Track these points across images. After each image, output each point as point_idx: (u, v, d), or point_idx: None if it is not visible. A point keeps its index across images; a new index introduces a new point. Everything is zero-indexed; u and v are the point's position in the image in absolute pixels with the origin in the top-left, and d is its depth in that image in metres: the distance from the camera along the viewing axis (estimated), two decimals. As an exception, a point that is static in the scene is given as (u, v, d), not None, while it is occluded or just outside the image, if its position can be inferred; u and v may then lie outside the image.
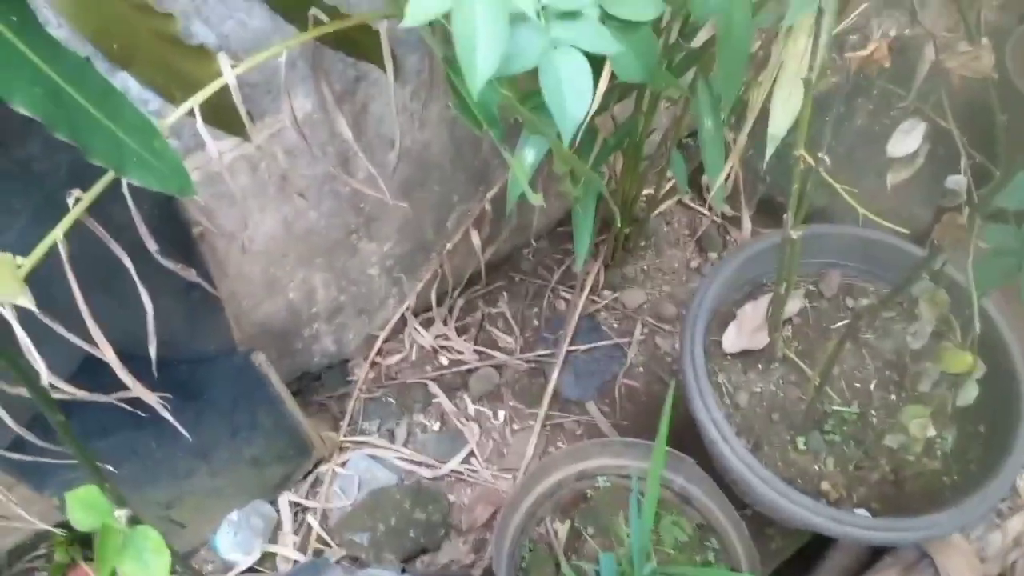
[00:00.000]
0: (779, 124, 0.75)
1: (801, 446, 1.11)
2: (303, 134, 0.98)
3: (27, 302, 0.68)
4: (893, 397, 1.15)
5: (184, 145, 0.95)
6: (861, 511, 1.05)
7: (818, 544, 1.30)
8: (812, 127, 0.75)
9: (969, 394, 0.80)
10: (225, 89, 0.84)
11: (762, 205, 1.72)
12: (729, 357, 1.19)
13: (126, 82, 0.84)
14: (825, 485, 1.08)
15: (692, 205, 1.80)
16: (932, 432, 0.86)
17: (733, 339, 1.19)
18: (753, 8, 0.84)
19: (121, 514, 0.55)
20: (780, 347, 1.12)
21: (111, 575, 0.52)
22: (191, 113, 0.82)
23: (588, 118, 0.75)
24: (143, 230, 0.86)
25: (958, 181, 0.66)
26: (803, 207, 0.80)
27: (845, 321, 1.22)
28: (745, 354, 1.19)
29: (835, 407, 1.14)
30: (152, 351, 0.91)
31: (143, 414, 0.96)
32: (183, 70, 0.84)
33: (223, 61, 0.83)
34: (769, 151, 0.76)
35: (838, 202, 1.62)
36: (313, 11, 0.85)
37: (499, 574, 1.01)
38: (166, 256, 0.89)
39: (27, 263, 0.71)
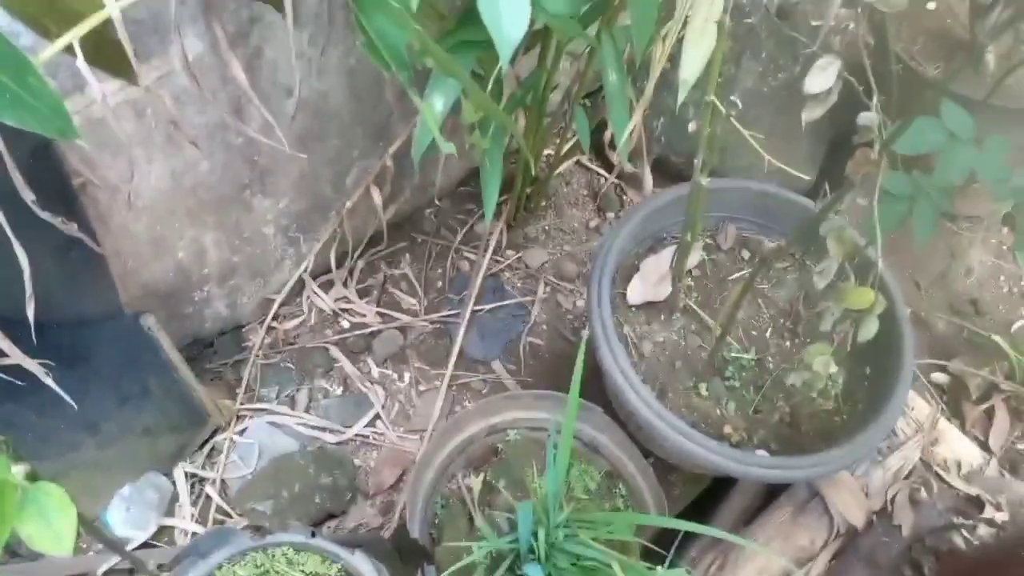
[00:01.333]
0: (690, 68, 0.76)
1: (703, 392, 1.15)
2: (195, 77, 0.92)
3: None
4: (788, 344, 1.21)
5: (60, 87, 0.87)
6: (761, 452, 1.10)
7: (718, 489, 1.35)
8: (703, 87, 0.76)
9: (870, 329, 0.84)
10: (108, 24, 0.77)
11: (656, 165, 1.75)
12: (633, 309, 1.21)
13: (-8, 15, 0.76)
14: (727, 428, 1.12)
15: (590, 166, 1.82)
16: (834, 369, 0.90)
17: (637, 291, 1.21)
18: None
19: (19, 469, 0.50)
20: (682, 297, 1.15)
21: (6, 541, 0.48)
22: (69, 50, 0.75)
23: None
24: (18, 179, 0.79)
25: (870, 118, 0.69)
26: (713, 153, 0.81)
27: (743, 272, 1.26)
28: (648, 305, 1.22)
29: (734, 354, 1.18)
30: (30, 313, 0.84)
31: (20, 383, 0.88)
32: (59, 1, 0.77)
33: (105, -9, 0.76)
34: (681, 96, 0.77)
35: (728, 162, 1.67)
36: (205, -60, 0.80)
37: (413, 531, 0.99)
38: (44, 209, 0.81)
39: None
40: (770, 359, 1.19)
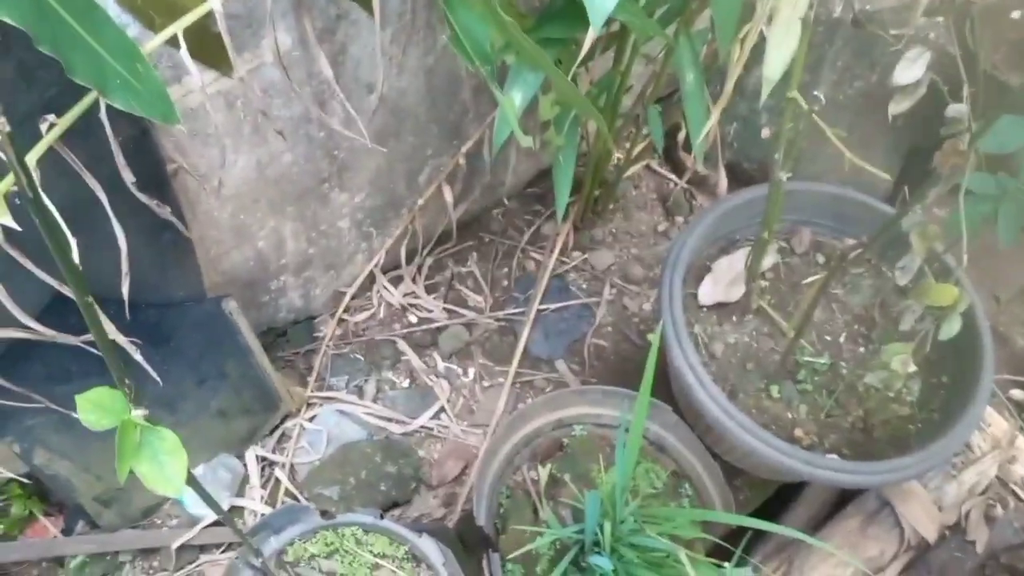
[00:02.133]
0: (774, 65, 0.76)
1: (775, 394, 1.13)
2: (285, 70, 0.95)
3: (10, 220, 0.65)
4: (862, 349, 1.18)
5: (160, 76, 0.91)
6: (832, 456, 1.08)
7: (783, 497, 1.33)
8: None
9: (953, 327, 0.82)
10: (208, 18, 0.81)
11: (728, 171, 1.73)
12: (704, 309, 1.21)
13: (105, 5, 0.80)
14: (798, 432, 1.10)
15: (659, 170, 1.81)
16: (913, 368, 0.88)
17: (708, 291, 1.20)
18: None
19: (139, 412, 0.53)
20: (756, 296, 1.14)
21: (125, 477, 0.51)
22: (171, 42, 0.78)
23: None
24: (120, 160, 0.83)
25: (959, 109, 0.68)
26: (793, 149, 0.81)
27: (817, 276, 1.24)
28: (720, 306, 1.21)
29: (807, 358, 1.17)
30: (124, 291, 0.88)
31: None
32: (165, -7, 0.81)
33: (208, -15, 0.80)
34: (764, 93, 0.76)
35: (802, 169, 1.65)
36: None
37: (479, 518, 1.01)
38: (141, 192, 0.85)
39: (2, 186, 0.68)
40: (844, 364, 1.17)
